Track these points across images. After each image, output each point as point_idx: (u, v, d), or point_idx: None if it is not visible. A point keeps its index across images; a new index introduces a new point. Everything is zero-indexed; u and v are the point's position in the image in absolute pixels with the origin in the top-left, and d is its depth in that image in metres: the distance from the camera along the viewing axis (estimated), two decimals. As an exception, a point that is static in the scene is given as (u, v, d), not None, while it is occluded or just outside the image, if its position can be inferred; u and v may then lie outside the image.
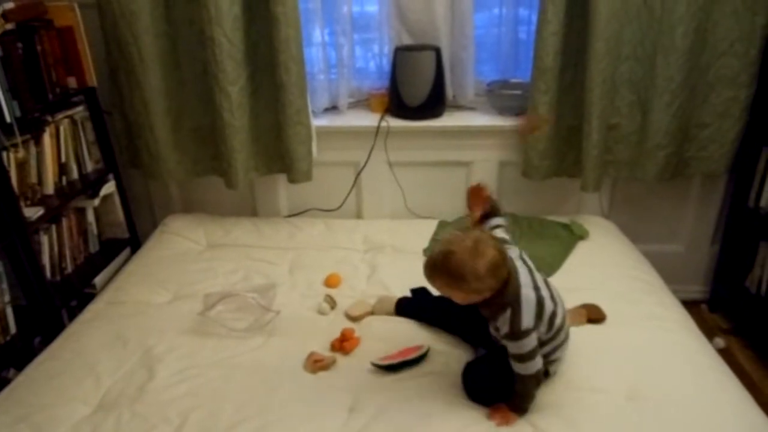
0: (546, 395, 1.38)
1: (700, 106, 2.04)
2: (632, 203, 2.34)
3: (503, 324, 1.30)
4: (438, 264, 1.26)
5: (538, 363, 1.31)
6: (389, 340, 1.57)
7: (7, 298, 1.73)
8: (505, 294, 1.28)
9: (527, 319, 1.28)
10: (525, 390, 1.33)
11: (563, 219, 2.18)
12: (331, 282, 1.86)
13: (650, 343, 1.56)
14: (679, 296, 1.81)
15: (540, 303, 1.31)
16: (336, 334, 1.59)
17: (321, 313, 1.71)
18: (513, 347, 1.30)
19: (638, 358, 1.50)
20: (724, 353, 1.91)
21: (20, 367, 1.59)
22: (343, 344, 1.55)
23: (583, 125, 2.03)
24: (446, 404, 1.37)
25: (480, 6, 2.17)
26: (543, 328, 1.32)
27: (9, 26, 1.68)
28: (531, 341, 1.28)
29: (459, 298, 1.29)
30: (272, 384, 1.44)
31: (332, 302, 1.74)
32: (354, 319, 1.68)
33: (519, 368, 1.31)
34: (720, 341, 2.16)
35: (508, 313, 1.28)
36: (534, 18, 2.02)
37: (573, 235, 2.08)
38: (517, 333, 1.28)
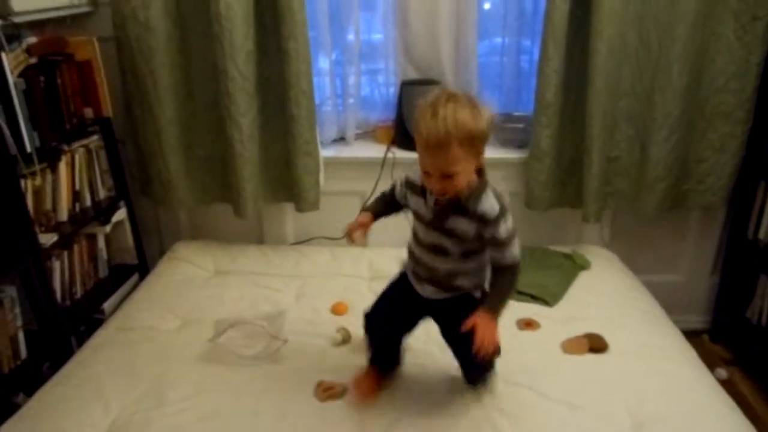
0: (550, 423, 1.39)
1: (698, 141, 2.10)
2: (633, 234, 2.38)
3: (489, 205, 1.25)
4: (452, 125, 1.14)
5: (518, 245, 1.30)
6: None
7: (19, 322, 1.76)
8: (484, 146, 1.23)
9: (504, 199, 1.29)
10: (510, 282, 1.31)
11: (565, 249, 2.22)
12: (337, 310, 1.89)
13: (652, 373, 1.57)
14: (680, 326, 1.84)
15: None
16: (346, 364, 1.61)
17: (334, 344, 1.72)
18: (503, 229, 1.26)
19: (640, 388, 1.52)
20: (727, 384, 1.92)
21: (29, 392, 1.61)
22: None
23: (584, 158, 2.08)
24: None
25: (483, 34, 2.24)
26: None
27: (32, 60, 1.75)
28: (512, 223, 1.29)
29: (466, 167, 1.20)
30: (281, 412, 1.45)
31: (346, 334, 1.73)
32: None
33: (508, 255, 1.28)
34: (722, 372, 2.17)
35: (490, 190, 1.27)
36: (535, 48, 2.09)
37: (575, 265, 2.11)
38: (504, 208, 1.26)
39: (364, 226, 1.48)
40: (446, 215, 1.31)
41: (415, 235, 1.42)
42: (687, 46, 1.93)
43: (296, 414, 1.44)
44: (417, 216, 1.40)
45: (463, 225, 1.30)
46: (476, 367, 1.43)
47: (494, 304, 1.30)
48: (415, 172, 1.36)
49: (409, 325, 1.54)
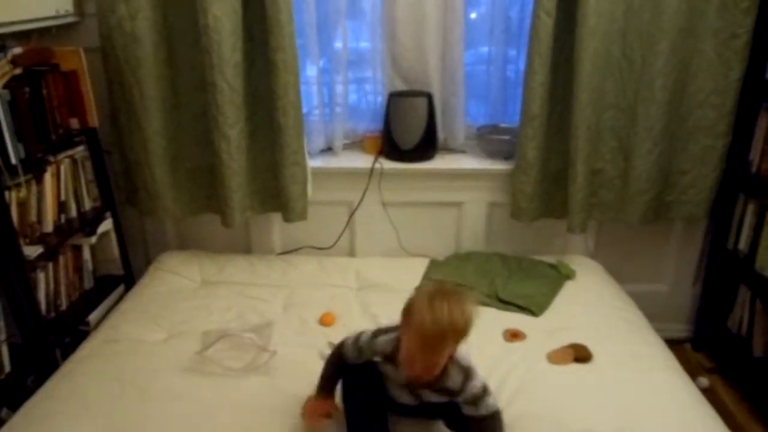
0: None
1: (680, 154, 2.14)
2: (617, 244, 2.42)
3: (454, 379, 1.30)
4: (450, 326, 1.21)
5: (493, 394, 1.34)
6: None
7: (3, 336, 1.74)
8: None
9: (464, 356, 1.33)
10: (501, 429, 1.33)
11: (550, 259, 2.25)
12: (325, 321, 1.89)
13: (635, 382, 1.60)
14: (663, 335, 1.87)
15: None
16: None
17: (322, 358, 1.71)
18: (473, 390, 1.30)
19: (624, 397, 1.55)
20: (708, 393, 1.95)
21: (13, 406, 1.59)
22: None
23: (569, 170, 2.11)
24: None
25: (470, 43, 2.26)
26: None
27: (17, 71, 1.73)
28: (479, 374, 1.33)
29: (444, 358, 1.25)
30: (270, 423, 1.45)
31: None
32: None
33: (489, 405, 1.31)
34: (704, 380, 2.20)
35: (454, 366, 1.30)
36: (521, 58, 2.12)
37: (560, 275, 2.14)
38: (468, 371, 1.31)
39: (329, 414, 1.41)
40: (419, 389, 1.36)
41: (386, 378, 1.40)
42: (669, 61, 1.98)
43: (285, 426, 1.44)
44: (387, 375, 1.40)
45: (435, 397, 1.35)
46: None
47: None
48: (381, 341, 1.35)
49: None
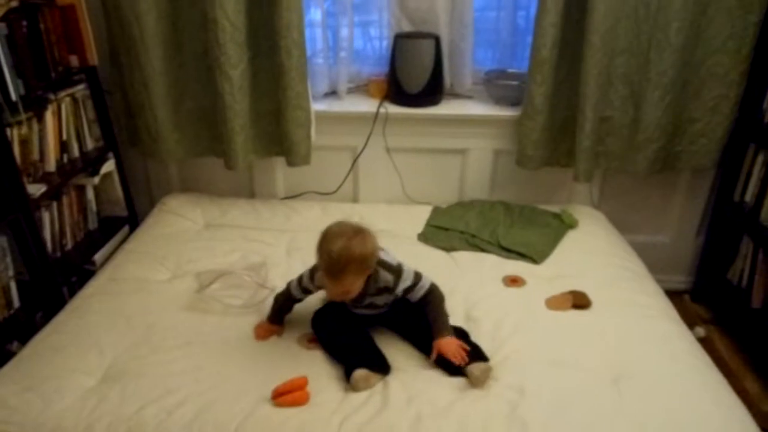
0: (531, 376, 1.44)
1: (692, 102, 2.09)
2: (622, 194, 2.40)
3: (384, 279, 1.48)
4: (345, 259, 1.38)
5: (427, 276, 1.52)
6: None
7: (11, 272, 1.77)
8: (374, 262, 1.46)
9: (390, 258, 1.52)
10: (440, 301, 1.52)
11: (554, 208, 2.24)
12: (327, 264, 1.91)
13: (633, 329, 1.62)
14: (663, 286, 1.88)
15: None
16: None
17: (322, 302, 1.73)
18: (406, 282, 1.50)
19: (620, 342, 1.57)
20: (705, 342, 1.98)
21: (23, 340, 1.64)
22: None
23: (577, 117, 2.07)
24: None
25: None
26: None
27: (14, 3, 1.69)
28: (408, 267, 1.53)
29: (359, 280, 1.43)
30: (272, 359, 1.50)
31: None
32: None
33: (422, 287, 1.50)
34: (700, 330, 2.23)
35: (381, 270, 1.48)
36: (532, 4, 2.05)
37: (563, 224, 2.14)
38: (395, 268, 1.50)
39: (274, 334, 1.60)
40: (360, 300, 1.53)
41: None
42: (686, 3, 1.90)
43: (286, 361, 1.48)
44: (353, 307, 1.58)
45: (380, 300, 1.54)
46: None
47: (442, 327, 1.48)
48: (314, 277, 1.54)
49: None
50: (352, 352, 1.48)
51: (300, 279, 1.58)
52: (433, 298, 1.52)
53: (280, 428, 1.30)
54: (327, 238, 1.41)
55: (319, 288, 1.57)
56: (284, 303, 1.62)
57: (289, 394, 1.37)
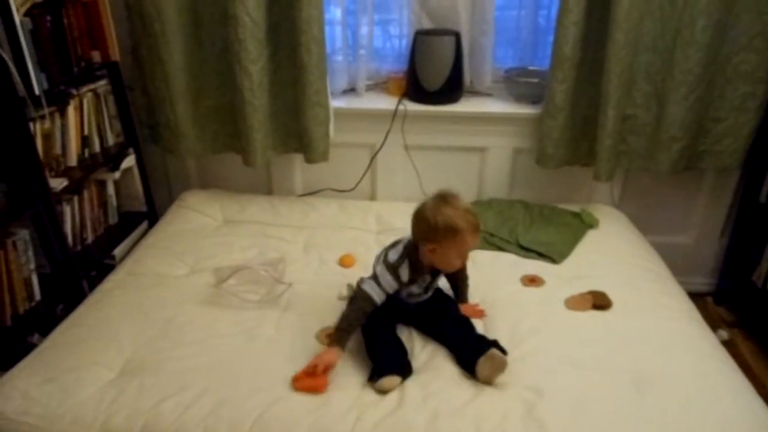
0: (549, 378, 1.42)
1: (717, 101, 2.05)
2: (643, 194, 2.36)
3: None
4: (474, 217, 1.45)
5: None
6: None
7: (32, 265, 1.79)
8: None
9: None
10: (467, 278, 1.71)
11: (574, 207, 2.21)
12: (345, 262, 1.90)
13: (655, 330, 1.59)
14: (685, 288, 1.84)
15: None
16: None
17: (340, 298, 1.72)
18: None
19: (643, 344, 1.54)
20: (728, 345, 1.93)
21: (44, 332, 1.66)
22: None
23: (599, 115, 2.04)
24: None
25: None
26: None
27: (38, -1, 1.71)
28: None
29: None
30: (289, 355, 1.49)
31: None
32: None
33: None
34: (723, 333, 2.19)
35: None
36: (554, 5, 2.02)
37: (583, 224, 2.11)
38: None
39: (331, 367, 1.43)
40: (436, 278, 1.60)
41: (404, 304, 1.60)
42: (713, 1, 1.86)
43: (302, 357, 1.47)
44: (407, 296, 1.59)
45: (437, 280, 1.62)
46: (474, 339, 1.51)
47: (467, 294, 1.70)
48: (400, 262, 1.50)
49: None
50: (389, 355, 1.46)
51: (393, 270, 1.48)
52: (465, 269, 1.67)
53: (296, 423, 1.30)
54: (445, 204, 1.45)
55: (414, 276, 1.50)
56: (362, 320, 1.48)
57: (309, 378, 1.37)
